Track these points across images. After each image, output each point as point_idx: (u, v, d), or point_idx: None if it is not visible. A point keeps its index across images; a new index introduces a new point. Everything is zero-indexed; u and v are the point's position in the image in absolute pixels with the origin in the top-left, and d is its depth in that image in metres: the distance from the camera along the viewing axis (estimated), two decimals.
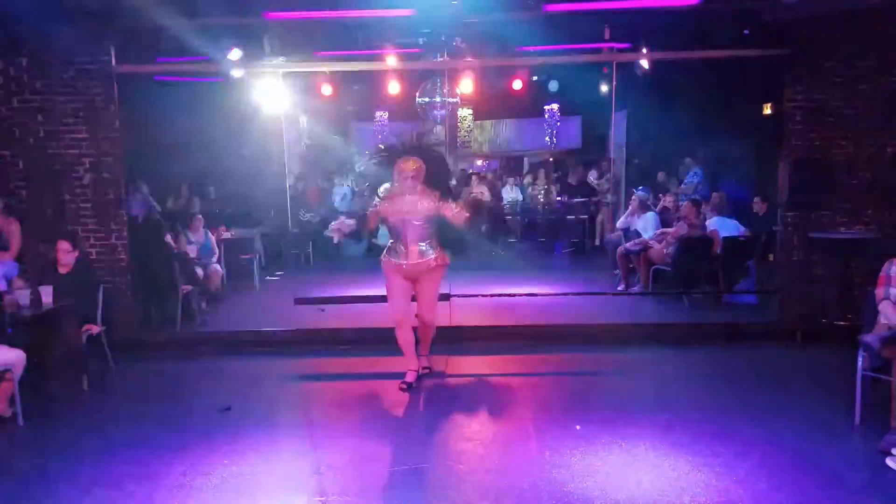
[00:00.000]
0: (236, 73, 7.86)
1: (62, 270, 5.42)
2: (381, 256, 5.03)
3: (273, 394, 5.09)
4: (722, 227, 7.56)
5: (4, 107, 6.15)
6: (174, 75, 8.75)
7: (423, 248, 4.85)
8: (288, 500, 3.33)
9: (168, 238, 7.12)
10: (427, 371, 5.31)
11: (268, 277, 9.42)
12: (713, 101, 9.41)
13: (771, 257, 7.48)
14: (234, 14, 6.26)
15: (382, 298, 6.27)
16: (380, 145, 5.31)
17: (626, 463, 3.68)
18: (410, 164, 4.79)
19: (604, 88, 10.30)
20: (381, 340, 5.92)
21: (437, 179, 4.93)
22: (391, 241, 4.98)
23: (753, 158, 9.69)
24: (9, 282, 5.66)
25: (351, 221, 5.03)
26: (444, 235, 4.92)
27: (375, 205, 5.01)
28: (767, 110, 9.31)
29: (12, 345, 4.55)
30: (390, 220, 4.88)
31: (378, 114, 14.49)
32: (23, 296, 4.98)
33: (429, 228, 4.84)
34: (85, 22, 5.98)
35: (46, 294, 5.01)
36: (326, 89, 11.23)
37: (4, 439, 4.28)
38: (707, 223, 7.70)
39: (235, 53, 7.23)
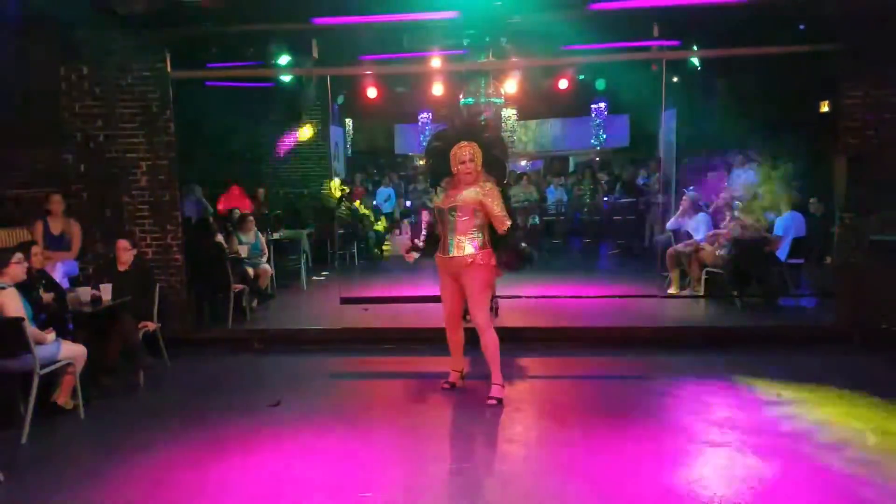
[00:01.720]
0: (285, 77, 8.02)
1: (121, 269, 5.63)
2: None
3: (319, 391, 5.17)
4: (793, 224, 7.31)
5: (67, 112, 6.42)
6: (225, 80, 9.00)
7: (465, 242, 4.58)
8: (331, 496, 3.38)
9: (220, 238, 7.32)
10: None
11: (314, 277, 9.59)
12: (766, 99, 9.17)
13: (828, 259, 7.24)
14: (283, 20, 6.40)
15: (424, 299, 6.33)
16: (433, 134, 4.98)
17: (675, 469, 3.62)
18: (466, 150, 4.55)
19: (653, 87, 10.13)
20: (424, 340, 5.98)
21: (496, 162, 4.68)
22: (440, 233, 4.80)
23: (809, 158, 9.39)
24: (71, 280, 5.92)
25: (418, 241, 4.92)
26: (494, 236, 4.63)
27: (432, 209, 4.88)
28: (825, 108, 9.01)
29: (74, 340, 4.76)
30: (439, 210, 4.70)
31: (422, 115, 14.59)
32: (84, 293, 5.19)
33: (473, 222, 4.56)
34: (141, 30, 6.21)
35: (106, 292, 5.21)
36: (372, 92, 11.38)
37: (67, 430, 4.46)
38: (777, 220, 7.43)
39: (284, 58, 7.39)
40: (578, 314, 6.98)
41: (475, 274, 4.59)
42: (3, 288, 4.29)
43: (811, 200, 8.12)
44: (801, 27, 6.68)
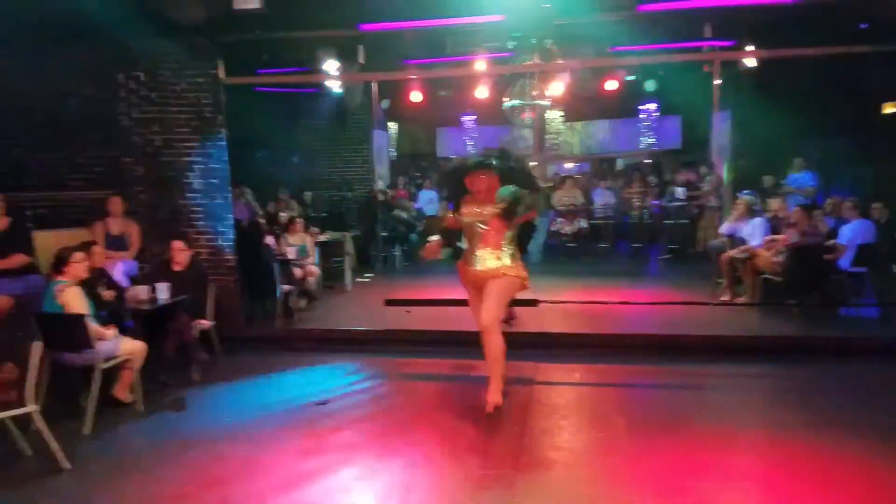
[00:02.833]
0: (331, 83, 8.14)
1: (176, 269, 5.81)
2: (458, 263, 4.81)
3: (364, 390, 5.22)
4: (861, 231, 7.04)
5: (126, 118, 6.66)
6: (274, 86, 9.20)
7: (492, 255, 4.53)
8: (375, 494, 3.41)
9: (269, 240, 7.47)
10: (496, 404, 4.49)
11: (358, 279, 9.69)
12: (825, 100, 8.86)
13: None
14: (331, 27, 6.50)
15: (464, 303, 6.33)
16: (451, 163, 5.14)
17: (725, 484, 3.53)
18: (482, 182, 4.55)
19: (705, 88, 9.95)
20: (466, 343, 5.97)
21: (520, 181, 4.58)
22: (467, 246, 4.74)
23: (870, 161, 9.05)
24: (130, 279, 6.13)
25: (435, 237, 4.77)
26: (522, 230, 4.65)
27: (451, 210, 4.83)
28: (889, 108, 8.66)
29: (133, 336, 4.94)
30: (465, 224, 4.66)
31: (465, 118, 14.59)
32: (142, 291, 5.38)
33: (498, 236, 4.52)
34: (195, 37, 6.40)
35: (163, 290, 5.38)
36: (416, 96, 11.43)
37: (126, 423, 4.62)
38: (842, 228, 7.16)
39: (331, 64, 7.50)
40: (626, 321, 6.87)
41: (501, 281, 4.49)
42: (66, 286, 4.47)
43: (874, 206, 7.79)
44: (863, 26, 6.44)
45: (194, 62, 6.55)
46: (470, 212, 4.61)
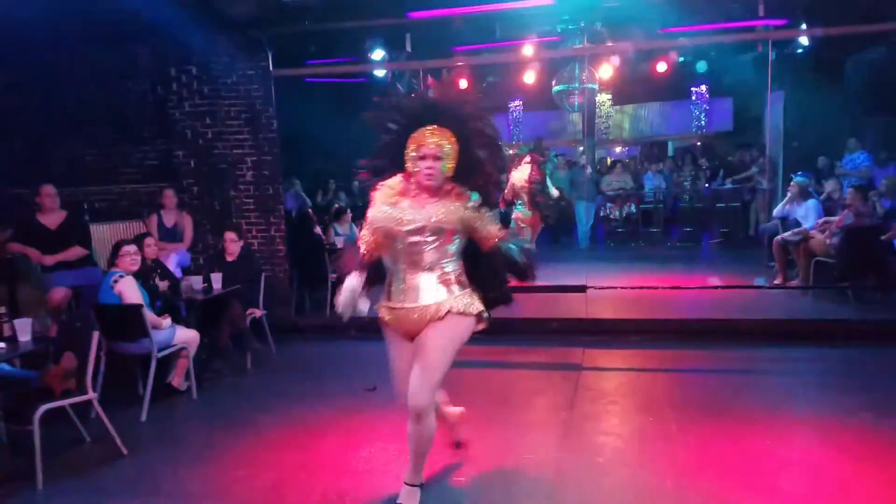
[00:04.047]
0: (379, 72, 8.18)
1: (229, 259, 5.96)
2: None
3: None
4: None
5: (178, 111, 6.85)
6: (322, 77, 9.29)
7: (430, 283, 2.87)
8: (426, 480, 3.44)
9: (318, 230, 7.59)
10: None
11: None
12: (881, 79, 8.45)
13: None
14: (378, 16, 6.52)
15: (515, 289, 6.30)
16: (394, 104, 3.09)
17: (780, 468, 3.44)
18: (434, 137, 2.82)
19: (758, 68, 9.61)
20: (518, 331, 5.96)
21: (481, 172, 2.94)
22: (389, 272, 2.99)
23: None
24: (184, 270, 6.32)
25: (352, 279, 2.99)
26: (477, 266, 3.00)
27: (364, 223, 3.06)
28: None
29: (187, 326, 5.09)
30: (385, 237, 2.91)
31: (512, 104, 14.45)
32: (196, 282, 5.54)
33: (445, 253, 2.87)
34: (245, 30, 6.51)
35: (216, 281, 5.52)
36: (463, 83, 11.36)
37: (181, 410, 4.78)
38: None
39: (378, 53, 7.53)
40: (677, 306, 6.73)
41: (445, 326, 2.86)
42: (121, 276, 4.63)
43: None
44: None
45: (245, 55, 6.67)
46: (400, 216, 2.84)
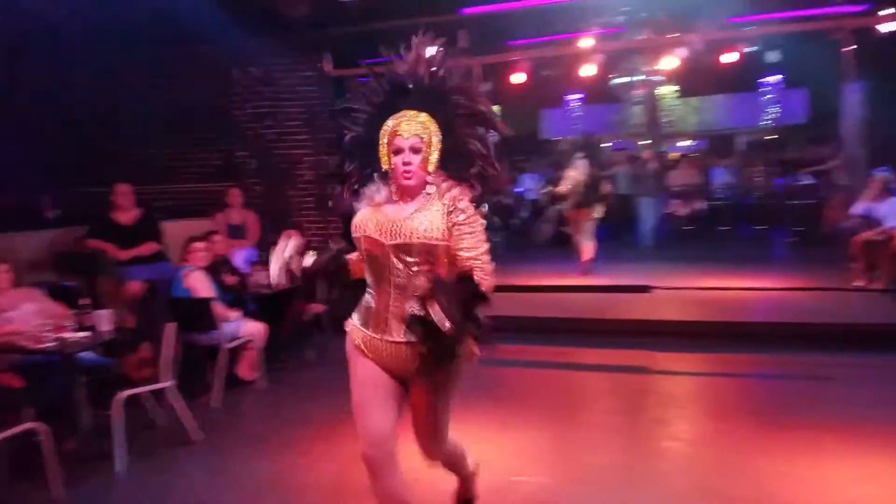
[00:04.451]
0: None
1: None
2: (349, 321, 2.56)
3: (470, 377, 5.20)
4: None
5: (240, 112, 7.00)
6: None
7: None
8: (484, 479, 3.38)
9: None
10: None
11: None
12: None
13: None
14: (431, 13, 6.49)
15: (571, 289, 6.14)
16: (359, 90, 2.60)
17: (860, 481, 3.22)
18: (409, 125, 2.29)
19: (835, 58, 9.12)
20: (579, 330, 5.84)
21: (473, 159, 2.36)
22: (368, 290, 2.45)
23: None
24: (250, 265, 6.46)
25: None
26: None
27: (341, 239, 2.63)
28: None
29: (254, 319, 5.21)
30: (365, 250, 2.37)
31: (571, 97, 14.21)
32: (262, 277, 5.65)
33: (430, 276, 2.23)
34: (303, 33, 6.60)
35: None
36: (518, 77, 11.22)
37: (248, 399, 4.91)
38: None
39: (431, 51, 7.51)
40: (748, 308, 6.45)
41: (434, 379, 2.40)
42: (192, 271, 4.78)
43: None
44: None
45: (303, 57, 6.78)
46: (381, 226, 2.29)
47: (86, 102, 6.99)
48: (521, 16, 7.13)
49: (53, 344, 3.68)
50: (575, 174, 6.16)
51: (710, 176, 11.62)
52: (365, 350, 2.46)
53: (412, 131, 2.28)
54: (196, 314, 4.66)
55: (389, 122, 2.32)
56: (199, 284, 4.79)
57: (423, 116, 2.32)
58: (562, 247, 10.32)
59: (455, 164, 2.34)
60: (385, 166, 2.35)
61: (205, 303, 4.65)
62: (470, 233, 2.23)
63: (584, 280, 7.31)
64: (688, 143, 15.07)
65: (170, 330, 3.91)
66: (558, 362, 5.54)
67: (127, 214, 5.80)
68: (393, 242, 2.26)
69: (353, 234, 2.38)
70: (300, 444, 3.94)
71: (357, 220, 2.39)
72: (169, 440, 4.03)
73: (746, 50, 11.31)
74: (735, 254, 9.72)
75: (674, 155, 13.05)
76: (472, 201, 2.29)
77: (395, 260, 2.27)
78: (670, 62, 10.60)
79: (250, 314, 5.30)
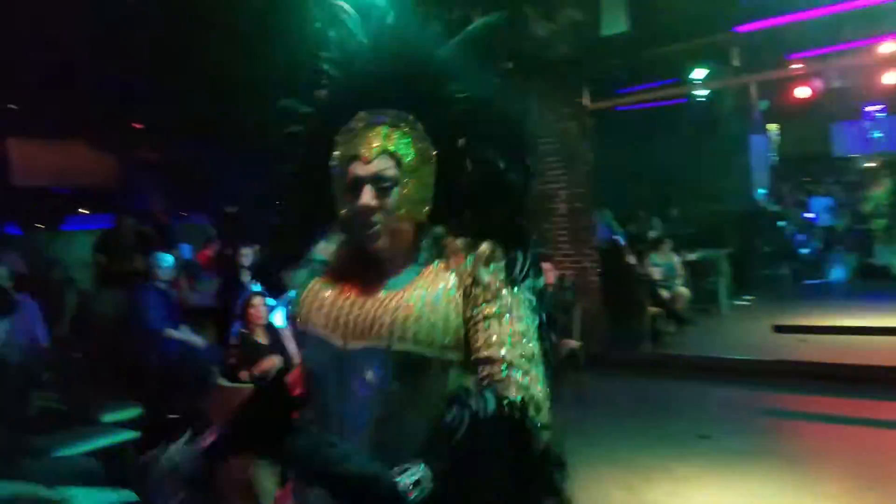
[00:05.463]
0: (702, 91, 7.71)
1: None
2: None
3: (751, 427, 4.71)
4: None
5: None
6: (634, 104, 9.08)
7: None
8: None
9: (631, 260, 7.34)
10: None
11: (736, 302, 8.85)
12: None
13: None
14: (703, 35, 6.15)
15: (877, 330, 5.31)
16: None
17: None
18: (376, 140, 1.30)
19: None
20: (877, 380, 4.97)
21: (496, 198, 1.44)
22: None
23: None
24: None
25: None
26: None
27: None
28: None
29: None
30: (306, 346, 1.37)
31: (870, 108, 12.35)
32: None
33: (427, 404, 1.24)
34: (562, 70, 6.65)
35: None
36: (803, 91, 10.08)
37: None
38: None
39: (700, 72, 7.10)
40: None
41: None
42: None
43: None
44: None
45: (560, 93, 6.82)
46: (334, 306, 1.32)
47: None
48: (802, 27, 6.41)
49: None
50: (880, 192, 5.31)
51: None
52: None
53: (381, 147, 1.30)
54: None
55: (343, 133, 1.33)
56: None
57: (404, 121, 1.34)
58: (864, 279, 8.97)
59: (457, 205, 1.39)
60: (341, 209, 1.33)
61: None
62: (498, 315, 1.27)
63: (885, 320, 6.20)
64: None
65: None
66: (854, 416, 4.75)
67: None
68: (350, 347, 1.28)
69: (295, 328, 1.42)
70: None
71: (302, 302, 1.37)
72: None
73: None
74: None
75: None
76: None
77: (359, 377, 1.26)
78: None
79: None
